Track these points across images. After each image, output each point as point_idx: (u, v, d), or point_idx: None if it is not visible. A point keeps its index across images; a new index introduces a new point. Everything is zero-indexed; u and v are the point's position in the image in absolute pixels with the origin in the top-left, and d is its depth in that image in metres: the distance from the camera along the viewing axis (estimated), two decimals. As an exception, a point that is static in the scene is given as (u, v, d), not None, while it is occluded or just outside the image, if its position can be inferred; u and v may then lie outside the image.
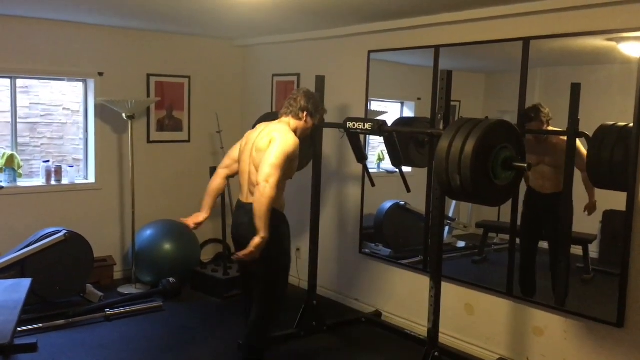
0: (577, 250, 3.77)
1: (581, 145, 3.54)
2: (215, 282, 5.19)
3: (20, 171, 5.10)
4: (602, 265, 3.75)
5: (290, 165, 3.27)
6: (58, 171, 5.26)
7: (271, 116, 3.89)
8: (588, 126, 3.45)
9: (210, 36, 5.87)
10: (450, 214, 4.81)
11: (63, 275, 4.63)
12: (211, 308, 4.96)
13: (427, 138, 4.20)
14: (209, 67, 6.01)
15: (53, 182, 5.24)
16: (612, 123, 3.37)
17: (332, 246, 5.21)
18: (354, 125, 3.81)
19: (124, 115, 5.13)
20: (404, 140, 4.30)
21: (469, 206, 4.75)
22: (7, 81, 5.05)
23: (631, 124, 3.21)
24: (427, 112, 4.29)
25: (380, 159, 5.25)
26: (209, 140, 5.93)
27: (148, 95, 5.62)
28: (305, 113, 3.43)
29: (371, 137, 4.92)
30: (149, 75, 5.63)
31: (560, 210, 3.67)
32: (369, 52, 4.73)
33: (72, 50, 5.19)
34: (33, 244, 4.53)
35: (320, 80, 4.20)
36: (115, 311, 4.64)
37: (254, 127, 3.59)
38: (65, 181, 5.31)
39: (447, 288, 3.99)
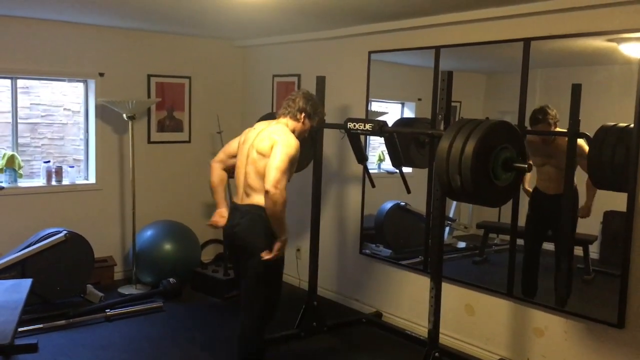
0: (577, 250, 3.77)
1: (587, 147, 3.53)
2: (216, 282, 5.19)
3: (20, 172, 5.10)
4: (602, 266, 3.75)
5: (290, 169, 3.23)
6: (59, 172, 5.26)
7: (272, 117, 3.88)
8: (589, 127, 3.45)
9: (211, 37, 5.87)
10: (451, 215, 4.81)
11: (63, 276, 4.63)
12: (211, 308, 4.96)
13: (428, 139, 4.20)
14: (209, 67, 6.01)
15: (54, 183, 5.24)
16: (612, 124, 3.37)
17: (332, 247, 5.21)
18: (354, 125, 3.81)
19: (124, 115, 5.13)
20: (404, 141, 4.30)
21: (470, 207, 4.75)
22: (8, 81, 5.06)
23: (632, 125, 3.21)
24: (427, 113, 4.29)
25: (380, 160, 5.26)
26: (210, 140, 5.94)
27: (149, 96, 5.63)
28: (303, 114, 3.38)
29: (372, 137, 4.93)
30: (149, 76, 5.63)
31: (561, 210, 3.67)
32: (370, 52, 4.73)
33: (73, 51, 5.19)
34: (33, 244, 4.54)
35: (320, 81, 4.20)
36: (115, 311, 4.64)
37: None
38: (65, 182, 5.31)
39: (447, 289, 3.98)
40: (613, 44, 3.37)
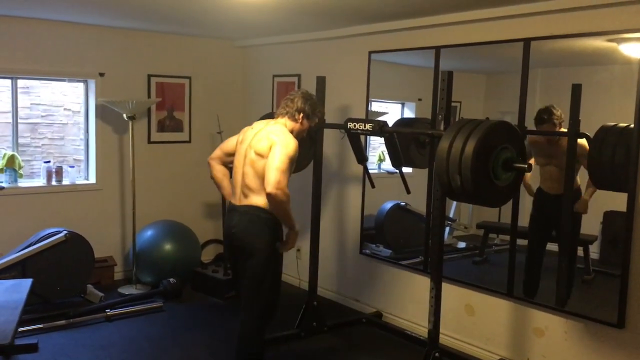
0: (577, 250, 3.77)
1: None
2: (216, 282, 5.19)
3: (21, 172, 5.11)
4: (602, 266, 3.75)
5: (290, 169, 3.21)
6: (59, 172, 5.26)
7: (272, 117, 3.87)
8: (589, 127, 3.45)
9: (211, 37, 5.88)
10: (451, 215, 4.81)
11: (64, 276, 4.63)
12: (212, 308, 4.96)
13: (428, 139, 4.19)
14: (209, 67, 6.01)
15: (54, 183, 5.24)
16: (613, 124, 3.37)
17: (332, 247, 5.21)
18: (354, 125, 3.81)
19: (124, 115, 5.13)
20: (404, 141, 4.30)
21: (470, 207, 4.76)
22: (8, 81, 5.06)
23: (632, 125, 3.21)
24: (427, 113, 4.29)
25: (380, 160, 5.26)
26: (210, 140, 5.93)
27: (149, 96, 5.63)
28: (301, 115, 3.36)
29: (372, 137, 4.93)
30: (149, 76, 5.63)
31: (563, 210, 3.68)
32: (370, 52, 4.73)
33: (73, 51, 5.20)
34: (34, 244, 4.54)
35: (321, 81, 4.20)
36: (115, 311, 4.64)
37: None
38: (66, 182, 5.31)
39: (447, 289, 3.98)
40: (613, 44, 3.38)
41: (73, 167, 5.40)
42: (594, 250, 3.75)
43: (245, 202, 3.27)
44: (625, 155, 3.25)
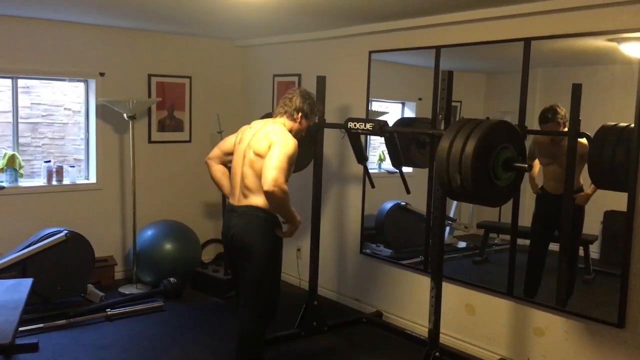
0: (578, 250, 3.77)
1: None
2: (216, 282, 5.19)
3: (21, 171, 5.11)
4: (603, 266, 3.75)
5: (289, 169, 3.19)
6: (59, 171, 5.26)
7: (271, 116, 3.88)
8: (589, 127, 3.45)
9: (211, 36, 5.88)
10: (451, 215, 4.81)
11: (64, 275, 4.63)
12: (212, 308, 4.96)
13: (428, 138, 4.19)
14: (210, 67, 6.01)
15: (54, 182, 5.24)
16: (613, 124, 3.37)
17: (333, 246, 5.21)
18: (355, 125, 3.81)
19: (125, 115, 5.13)
20: (405, 141, 4.30)
21: (470, 207, 4.76)
22: (9, 81, 5.06)
23: (632, 125, 3.21)
24: (428, 113, 4.29)
25: (381, 160, 5.26)
26: (210, 140, 5.93)
27: (149, 96, 5.63)
28: (300, 114, 3.34)
29: (372, 137, 4.93)
30: (150, 76, 5.63)
31: (563, 210, 3.68)
32: (370, 52, 4.73)
33: (73, 51, 5.20)
34: (34, 244, 4.54)
35: (321, 81, 4.20)
36: (116, 311, 4.64)
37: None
38: (66, 181, 5.31)
39: (447, 288, 3.99)
40: (613, 44, 3.37)
41: (73, 166, 5.41)
42: (594, 250, 3.76)
43: (244, 202, 3.26)
44: (625, 155, 3.25)
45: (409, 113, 5.07)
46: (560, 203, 3.67)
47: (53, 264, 4.57)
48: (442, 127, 3.24)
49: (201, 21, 4.86)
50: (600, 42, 3.45)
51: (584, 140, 3.53)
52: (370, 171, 4.59)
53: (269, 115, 3.99)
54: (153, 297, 5.01)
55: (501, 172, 2.83)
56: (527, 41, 3.67)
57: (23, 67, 5.00)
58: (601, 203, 3.61)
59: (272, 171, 3.05)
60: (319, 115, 3.61)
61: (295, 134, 3.35)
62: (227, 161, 3.51)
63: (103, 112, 5.39)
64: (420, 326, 4.44)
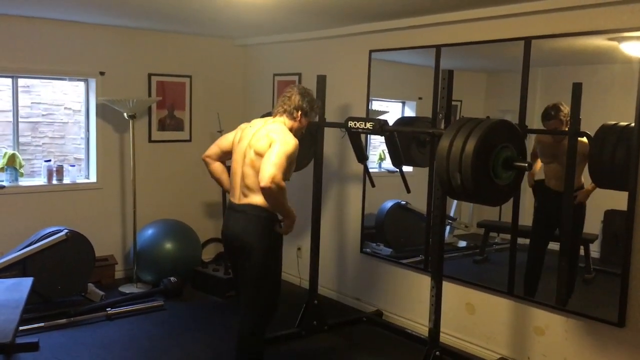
0: (579, 249, 3.77)
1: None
2: (217, 281, 5.19)
3: (21, 170, 5.11)
4: (603, 265, 3.75)
5: (289, 168, 3.19)
6: (59, 170, 5.26)
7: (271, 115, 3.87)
8: (589, 126, 3.45)
9: (212, 35, 5.87)
10: (451, 214, 4.81)
11: (64, 275, 4.63)
12: (212, 307, 4.96)
13: (428, 137, 4.19)
14: (210, 66, 6.01)
15: (54, 182, 5.24)
16: (613, 123, 3.37)
17: (333, 246, 5.21)
18: (355, 124, 3.80)
19: (125, 114, 5.13)
20: (405, 140, 4.30)
21: (470, 206, 4.76)
22: (9, 80, 5.06)
23: (632, 124, 3.21)
24: (428, 112, 4.29)
25: (381, 159, 5.26)
26: (211, 139, 5.90)
27: (149, 95, 5.63)
28: (299, 112, 3.33)
29: (372, 136, 4.93)
30: (150, 75, 5.63)
31: (563, 208, 3.68)
32: (370, 51, 4.73)
33: (74, 50, 5.20)
34: (34, 243, 4.54)
35: (321, 80, 4.20)
36: (116, 310, 4.64)
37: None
38: (66, 180, 5.32)
39: (448, 288, 3.99)
40: (614, 43, 3.37)
41: (74, 166, 5.41)
42: (595, 249, 3.76)
43: (244, 201, 3.26)
44: (625, 154, 3.25)
45: (409, 112, 5.07)
46: (561, 201, 3.68)
47: (53, 263, 4.57)
48: (443, 126, 3.24)
49: (201, 20, 4.86)
50: (600, 42, 3.45)
51: (584, 140, 3.53)
52: (370, 170, 4.59)
53: (269, 115, 4.00)
54: (153, 297, 5.02)
55: (501, 171, 2.83)
56: (528, 40, 3.67)
57: (23, 66, 5.00)
58: (601, 202, 3.61)
59: (270, 168, 3.05)
60: (319, 111, 3.59)
61: (295, 132, 3.34)
62: (225, 159, 3.50)
63: (103, 112, 5.39)
64: (420, 325, 4.45)
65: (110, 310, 4.61)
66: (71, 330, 4.33)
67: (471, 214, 4.83)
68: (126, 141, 5.45)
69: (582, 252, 3.78)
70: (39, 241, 4.55)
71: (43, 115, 5.30)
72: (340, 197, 5.15)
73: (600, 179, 3.49)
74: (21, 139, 5.19)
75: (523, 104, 3.72)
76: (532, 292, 3.92)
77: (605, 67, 3.60)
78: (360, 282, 5.02)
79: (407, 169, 4.47)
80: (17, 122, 5.13)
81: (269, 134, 3.19)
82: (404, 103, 5.10)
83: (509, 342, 3.97)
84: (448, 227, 4.74)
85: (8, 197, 4.99)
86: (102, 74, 5.33)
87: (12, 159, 5.01)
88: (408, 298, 4.62)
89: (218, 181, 3.57)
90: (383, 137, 4.29)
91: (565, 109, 3.64)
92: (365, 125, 3.74)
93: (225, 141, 3.49)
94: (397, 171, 4.36)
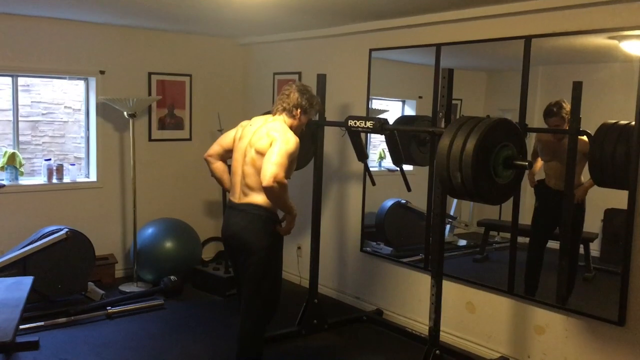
0: (579, 248, 3.77)
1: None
2: (217, 280, 5.20)
3: (21, 169, 5.11)
4: (603, 264, 3.75)
5: (290, 166, 3.19)
6: (59, 169, 5.26)
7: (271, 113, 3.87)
8: (590, 124, 3.45)
9: (212, 34, 5.87)
10: (452, 213, 4.81)
11: (65, 274, 4.63)
12: (212, 306, 4.96)
13: (429, 136, 4.19)
14: (210, 65, 6.01)
15: (54, 181, 5.24)
16: (613, 121, 3.37)
17: (333, 244, 5.21)
18: (355, 123, 3.80)
19: (125, 113, 5.13)
20: (405, 139, 4.30)
21: (470, 205, 4.76)
22: (9, 79, 5.06)
23: (633, 123, 3.20)
24: (428, 111, 4.29)
25: (381, 158, 5.26)
26: (211, 138, 5.92)
27: (149, 94, 5.63)
28: (299, 110, 3.32)
29: (372, 135, 4.92)
30: (150, 74, 5.63)
31: (564, 208, 3.68)
32: (370, 50, 4.73)
33: (74, 49, 5.19)
34: (35, 242, 4.54)
35: (321, 79, 4.20)
36: (116, 309, 4.65)
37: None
38: (66, 179, 5.32)
39: (448, 286, 3.99)
40: (614, 42, 3.37)
41: (74, 165, 5.41)
42: (595, 248, 3.76)
43: (244, 200, 3.26)
44: (626, 152, 3.25)
45: (410, 111, 5.07)
46: (561, 199, 3.68)
47: (54, 262, 4.57)
48: (443, 125, 3.24)
49: (201, 19, 4.86)
50: (600, 40, 3.45)
51: (584, 138, 3.53)
52: (370, 169, 4.59)
53: (269, 113, 4.00)
54: (153, 295, 5.02)
55: (502, 170, 2.83)
56: (528, 39, 3.67)
57: (23, 65, 5.00)
58: (602, 201, 3.61)
59: (272, 167, 3.04)
60: (319, 108, 3.58)
61: (295, 130, 3.33)
62: (226, 157, 3.50)
63: (103, 110, 5.39)
64: (420, 324, 4.45)
65: (110, 309, 4.61)
66: (71, 329, 4.33)
67: (471, 212, 4.83)
68: (126, 140, 5.45)
69: (582, 250, 3.78)
70: (39, 240, 4.55)
71: (43, 114, 5.30)
72: (340, 196, 5.15)
73: (600, 177, 3.49)
74: (21, 138, 5.19)
75: (523, 103, 3.72)
76: (533, 291, 3.92)
77: (606, 66, 3.60)
78: (361, 281, 5.02)
79: (407, 167, 4.47)
80: (17, 121, 5.13)
81: (269, 133, 3.19)
82: (404, 102, 5.10)
83: (509, 341, 3.97)
84: (448, 226, 4.74)
85: (8, 196, 4.99)
86: (102, 72, 5.33)
87: (12, 157, 5.01)
88: (408, 297, 4.62)
89: (219, 181, 3.57)
90: (383, 136, 4.29)
91: (568, 106, 3.64)
92: (365, 124, 3.74)
93: (226, 139, 3.48)
94: (397, 170, 4.36)
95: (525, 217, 3.94)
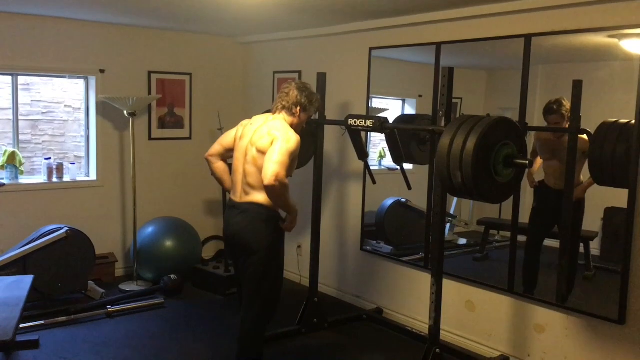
0: (579, 247, 3.77)
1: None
2: (217, 279, 5.20)
3: (21, 168, 5.11)
4: (603, 262, 3.75)
5: (291, 165, 3.19)
6: (59, 168, 5.26)
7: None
8: (590, 123, 3.45)
9: (212, 33, 5.87)
10: (452, 211, 4.81)
11: (65, 272, 4.64)
12: (212, 305, 4.96)
13: (429, 135, 4.19)
14: (210, 64, 6.01)
15: (54, 180, 5.24)
16: (613, 120, 3.37)
17: (333, 243, 5.21)
18: (355, 122, 3.80)
19: (125, 112, 5.13)
20: (405, 138, 4.30)
21: (470, 203, 4.76)
22: (9, 78, 5.06)
23: (633, 121, 3.20)
24: (428, 110, 4.29)
25: (381, 156, 5.26)
26: (211, 137, 5.93)
27: (149, 93, 5.62)
28: (298, 108, 3.32)
29: (372, 134, 4.92)
30: (150, 73, 5.63)
31: (563, 207, 3.68)
32: (370, 49, 4.73)
33: (74, 48, 5.19)
34: (35, 241, 4.54)
35: (321, 78, 4.20)
36: (116, 308, 4.65)
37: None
38: (66, 178, 5.32)
39: (448, 285, 3.99)
40: (614, 40, 3.37)
41: (74, 163, 5.41)
42: (595, 247, 3.75)
43: (246, 199, 3.26)
44: (626, 151, 3.25)
45: (410, 110, 5.07)
46: (560, 198, 3.68)
47: (54, 261, 4.57)
48: (443, 124, 3.24)
49: (201, 18, 4.85)
50: (600, 39, 3.45)
51: (584, 137, 3.53)
52: (370, 168, 4.59)
53: (269, 112, 3.99)
54: (153, 294, 5.02)
55: (502, 168, 2.83)
56: (528, 37, 3.66)
57: (23, 64, 5.00)
58: (602, 199, 3.61)
59: (273, 165, 3.04)
60: (319, 105, 3.57)
61: (296, 128, 3.33)
62: (228, 157, 3.50)
63: (103, 109, 5.39)
64: (420, 323, 4.45)
65: (110, 308, 4.61)
66: (71, 327, 4.34)
67: (471, 211, 4.83)
68: (126, 139, 5.45)
69: (582, 249, 3.78)
70: (40, 239, 4.55)
71: (43, 113, 5.30)
72: (340, 195, 5.15)
73: (600, 176, 3.49)
74: (21, 137, 5.19)
75: (523, 102, 3.72)
76: (532, 289, 3.92)
77: (606, 65, 3.59)
78: (361, 280, 5.02)
79: (407, 166, 4.47)
80: (17, 119, 5.13)
81: (270, 131, 3.19)
82: (404, 101, 5.09)
83: (509, 340, 3.97)
84: (448, 225, 4.74)
85: (8, 195, 4.99)
86: (102, 71, 5.33)
87: (12, 156, 5.01)
88: (408, 295, 4.62)
89: (220, 181, 3.57)
90: (383, 135, 4.29)
91: (568, 104, 3.64)
92: (365, 123, 3.74)
93: (227, 138, 3.48)
94: (397, 169, 4.36)
95: (525, 216, 3.94)
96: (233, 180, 3.37)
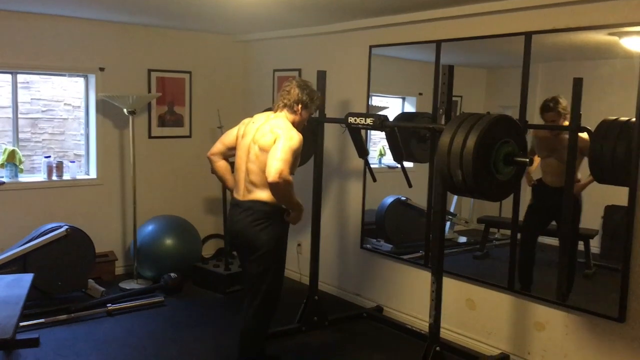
0: (578, 245, 3.77)
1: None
2: (217, 277, 5.20)
3: (21, 167, 5.11)
4: (603, 260, 3.75)
5: (294, 162, 3.20)
6: (59, 167, 5.26)
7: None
8: (590, 121, 3.44)
9: (211, 31, 5.86)
10: (452, 210, 4.81)
11: (65, 271, 4.64)
12: (212, 303, 4.97)
13: (429, 133, 4.19)
14: (210, 62, 6.00)
15: (54, 178, 5.24)
16: (614, 118, 3.36)
17: (333, 241, 5.21)
18: (355, 120, 3.80)
19: (125, 110, 5.12)
20: (405, 136, 4.29)
21: (471, 201, 4.76)
22: (8, 76, 5.05)
23: (633, 119, 3.20)
24: (428, 107, 4.29)
25: (381, 154, 5.25)
26: (210, 135, 5.93)
27: (149, 91, 5.62)
28: (300, 106, 3.33)
29: (372, 132, 4.92)
30: (150, 71, 5.62)
31: (563, 205, 3.68)
32: (370, 47, 4.72)
33: (73, 46, 5.19)
34: (35, 239, 4.54)
35: (321, 76, 4.19)
36: (116, 306, 4.65)
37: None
38: (66, 177, 5.31)
39: (448, 283, 3.99)
40: (614, 38, 3.37)
41: (74, 162, 5.40)
42: (595, 245, 3.75)
43: (249, 197, 3.26)
44: (626, 149, 3.25)
45: (410, 108, 5.07)
46: (558, 196, 3.68)
47: (54, 260, 4.57)
48: (443, 121, 3.24)
49: (201, 16, 4.85)
50: (601, 36, 3.44)
51: (584, 135, 3.53)
52: (371, 166, 4.58)
53: (270, 110, 3.99)
54: (153, 292, 5.02)
55: (502, 166, 2.82)
56: (528, 35, 3.66)
57: (23, 62, 4.99)
58: (602, 198, 3.60)
59: (277, 163, 3.05)
60: (319, 103, 3.58)
61: (297, 125, 3.34)
62: (229, 155, 3.50)
63: (103, 107, 5.38)
64: (420, 321, 4.45)
65: (110, 306, 4.61)
66: (71, 326, 4.34)
67: (471, 209, 4.83)
68: (126, 137, 5.45)
69: (582, 247, 3.78)
70: (39, 237, 4.55)
71: (43, 111, 5.29)
72: (340, 193, 5.15)
73: (600, 174, 3.48)
74: (21, 135, 5.18)
75: (523, 100, 3.71)
76: (528, 285, 3.92)
77: (606, 62, 3.59)
78: (361, 278, 5.02)
79: (407, 164, 4.46)
80: (17, 118, 5.13)
81: (273, 130, 3.20)
82: (404, 99, 5.09)
83: (509, 338, 3.97)
84: (448, 223, 4.74)
85: (8, 193, 4.99)
86: (101, 69, 5.33)
87: (12, 155, 5.01)
88: (408, 294, 4.62)
89: (222, 179, 3.57)
90: (383, 133, 4.28)
91: (564, 102, 3.64)
92: (365, 121, 3.74)
93: (229, 137, 3.48)
94: (397, 167, 4.36)
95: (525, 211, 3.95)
96: (236, 179, 3.37)
